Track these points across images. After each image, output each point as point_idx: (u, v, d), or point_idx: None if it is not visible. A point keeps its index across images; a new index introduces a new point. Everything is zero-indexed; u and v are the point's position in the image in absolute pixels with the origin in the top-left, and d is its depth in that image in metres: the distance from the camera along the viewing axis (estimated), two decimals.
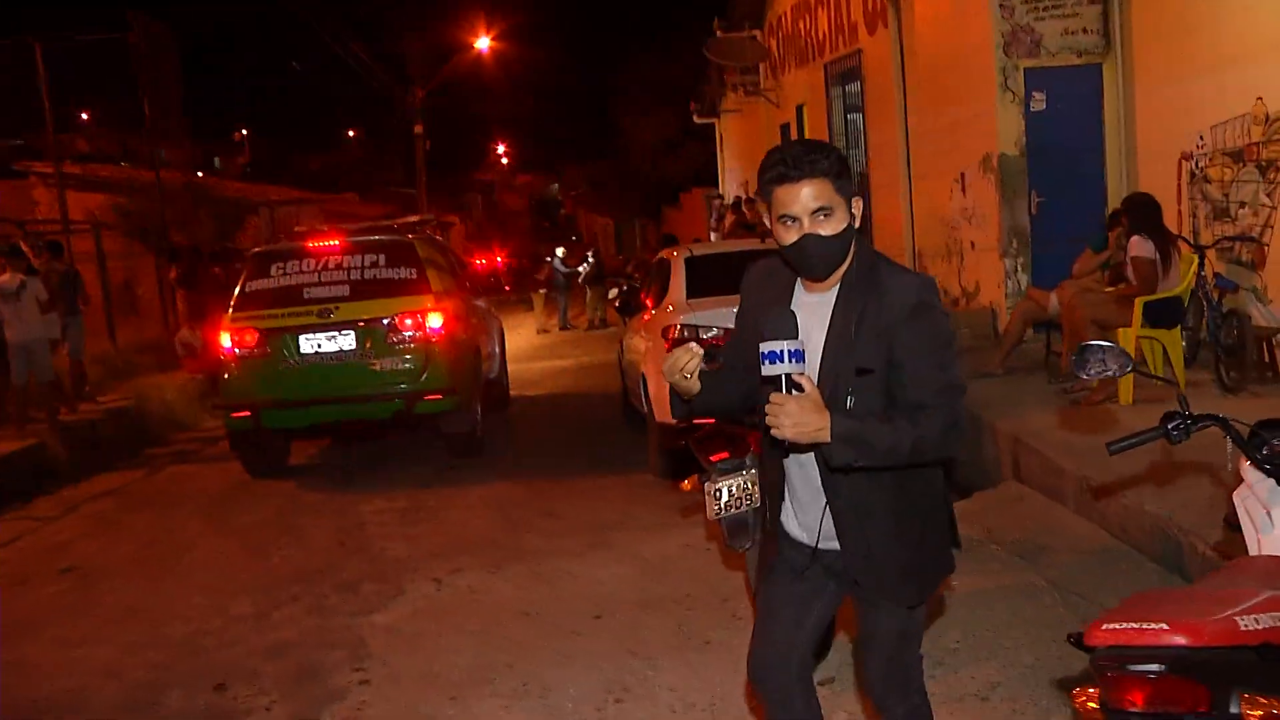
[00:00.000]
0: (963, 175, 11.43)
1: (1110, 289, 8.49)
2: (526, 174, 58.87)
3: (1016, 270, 10.64)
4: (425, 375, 9.73)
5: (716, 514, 4.42)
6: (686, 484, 5.11)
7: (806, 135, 17.21)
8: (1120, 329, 7.89)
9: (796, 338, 2.54)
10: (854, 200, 2.74)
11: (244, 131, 36.80)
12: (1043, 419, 7.59)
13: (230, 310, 9.81)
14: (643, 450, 9.52)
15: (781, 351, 2.50)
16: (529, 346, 20.82)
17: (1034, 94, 10.49)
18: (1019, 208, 10.58)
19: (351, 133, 43.98)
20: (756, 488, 4.21)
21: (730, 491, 4.42)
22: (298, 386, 9.65)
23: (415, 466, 10.27)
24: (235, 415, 9.76)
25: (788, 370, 2.50)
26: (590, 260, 24.58)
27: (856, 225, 2.74)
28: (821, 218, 2.67)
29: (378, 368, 9.71)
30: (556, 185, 59.56)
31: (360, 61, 25.20)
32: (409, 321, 9.77)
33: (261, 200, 23.33)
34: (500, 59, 37.95)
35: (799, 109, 17.78)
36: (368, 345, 9.69)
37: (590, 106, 41.51)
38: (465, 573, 6.84)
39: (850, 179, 2.74)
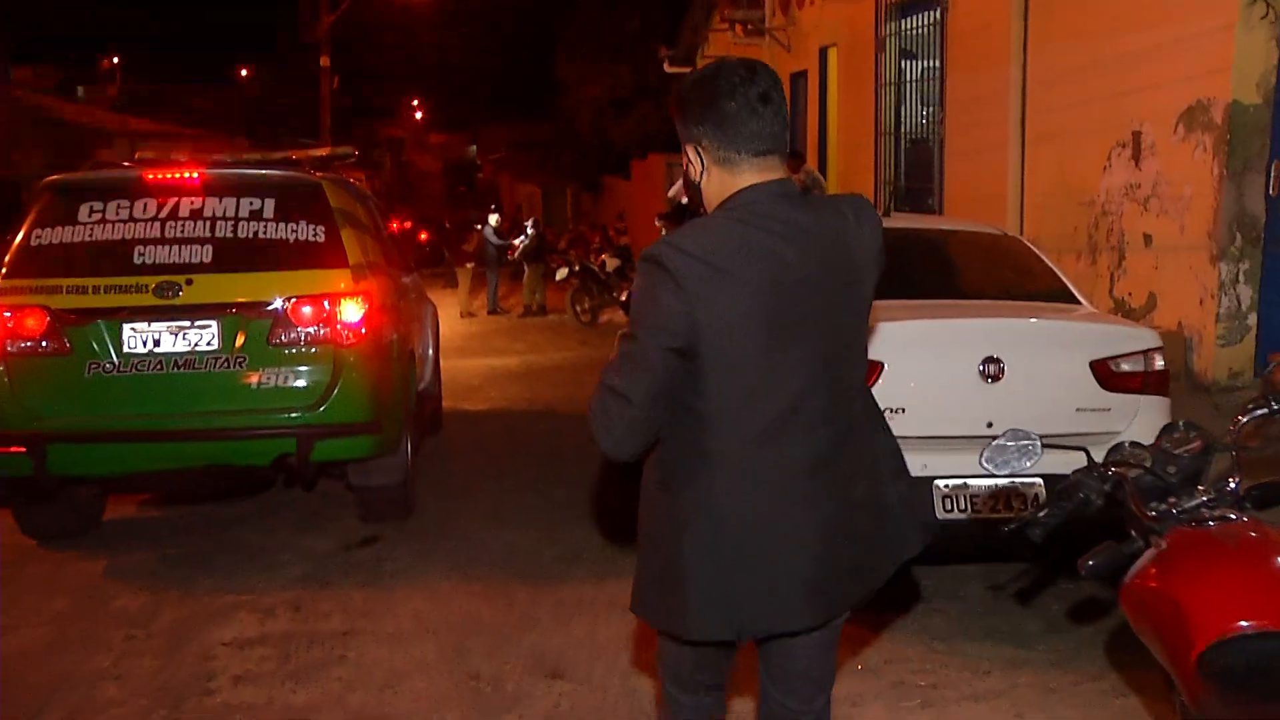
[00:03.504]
0: (1136, 136, 7.82)
1: None
2: (441, 133, 54.32)
3: (1238, 280, 7.08)
4: (333, 399, 5.93)
5: None
6: None
7: (837, 87, 13.55)
8: None
9: None
10: (688, 146, 2.39)
11: (115, 60, 31.66)
12: None
13: None
14: None
15: None
16: (455, 335, 16.79)
17: None
18: (1251, 186, 7.03)
19: (244, 71, 38.84)
20: None
21: None
22: (114, 408, 5.81)
23: (307, 538, 6.43)
24: (1, 451, 5.74)
25: None
26: (530, 232, 20.61)
27: (697, 178, 2.40)
28: None
29: (255, 383, 5.87)
30: (474, 147, 55.18)
31: None
32: (310, 311, 5.90)
33: (121, 130, 18.69)
34: (423, 5, 33.69)
35: (823, 53, 14.05)
36: (239, 346, 5.85)
37: (527, 58, 37.17)
38: None
39: (681, 119, 2.38)
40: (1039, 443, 2.66)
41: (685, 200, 17.18)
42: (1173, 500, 2.61)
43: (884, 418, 2.59)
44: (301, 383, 5.88)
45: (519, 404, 11.17)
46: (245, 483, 7.10)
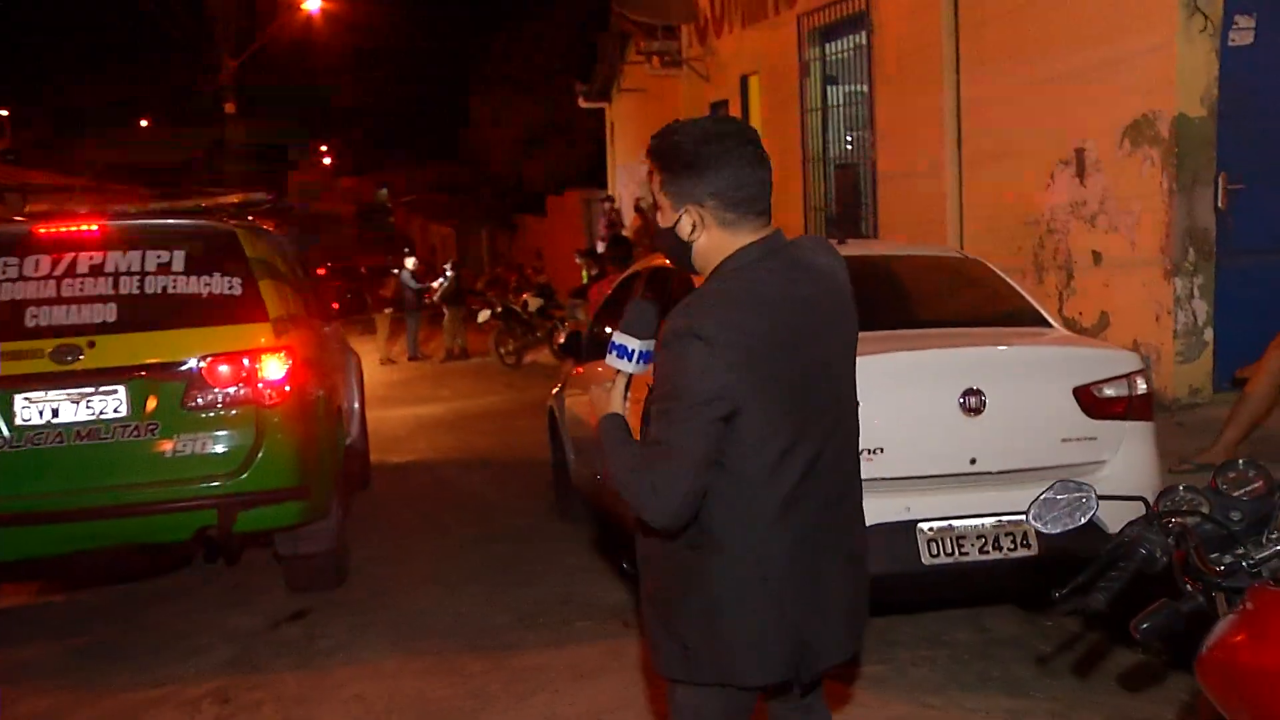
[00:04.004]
0: (1079, 153, 7.66)
1: None
2: (352, 177, 53.38)
3: (1193, 295, 6.91)
4: (257, 464, 5.47)
5: None
6: None
7: (760, 115, 13.33)
8: None
9: (646, 338, 2.40)
10: (687, 208, 2.36)
11: (4, 112, 30.46)
12: None
13: None
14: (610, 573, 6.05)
15: (632, 350, 2.39)
16: (376, 383, 16.18)
17: (1236, 20, 6.80)
18: (1201, 199, 6.87)
19: (145, 121, 37.66)
20: None
21: None
22: (9, 487, 5.26)
23: (232, 616, 5.95)
24: None
25: (617, 366, 2.41)
26: (448, 275, 20.10)
27: (693, 236, 2.38)
28: (658, 205, 2.44)
29: (169, 452, 5.39)
30: (385, 190, 54.30)
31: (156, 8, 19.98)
32: (228, 370, 5.42)
33: (13, 185, 17.87)
34: (332, 48, 33.13)
35: (744, 81, 13.84)
36: (150, 412, 5.38)
37: (438, 98, 36.65)
38: None
39: (683, 178, 2.34)
40: (1093, 494, 2.32)
41: (600, 248, 16.87)
42: (1240, 551, 2.29)
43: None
44: (221, 448, 5.39)
45: (450, 454, 10.69)
46: (161, 559, 6.56)
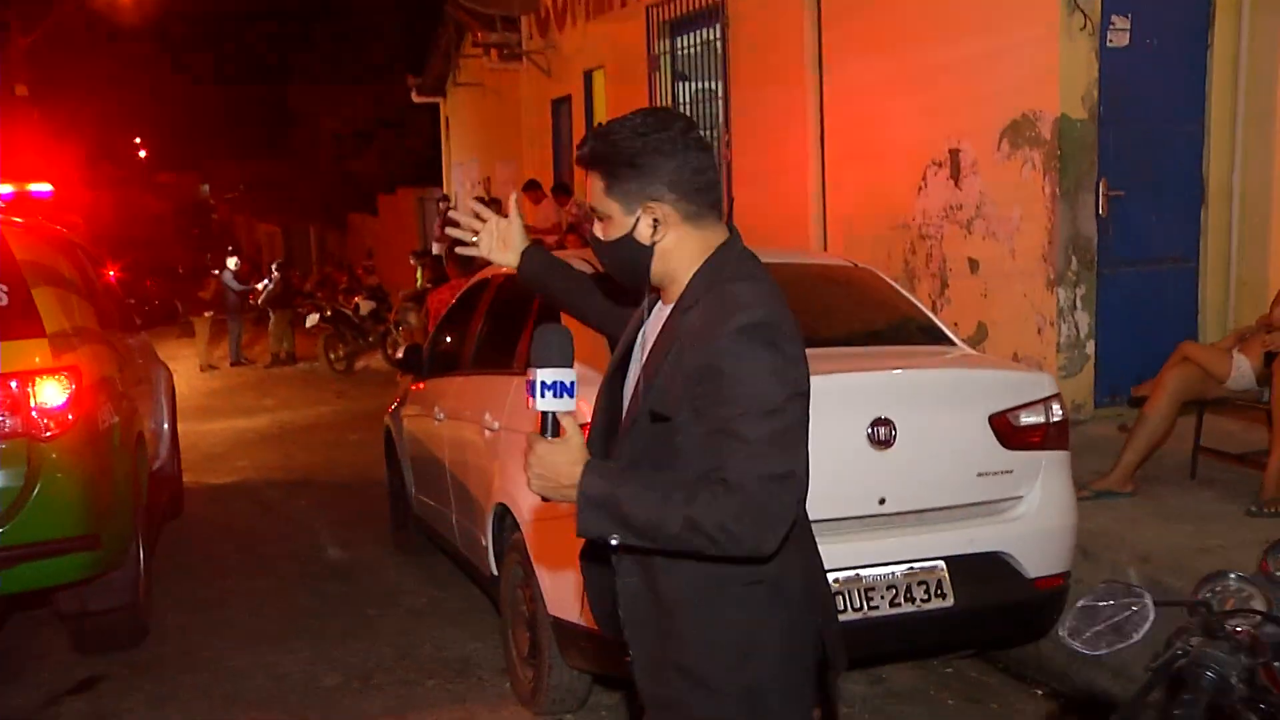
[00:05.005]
0: (954, 154, 7.27)
1: None
2: (170, 172, 50.54)
3: (1075, 306, 6.57)
4: (28, 511, 4.56)
5: None
6: None
7: (605, 114, 12.70)
8: None
9: (569, 366, 2.05)
10: (644, 206, 2.13)
11: None
12: None
13: None
14: (449, 600, 5.84)
15: (553, 384, 2.03)
16: (194, 392, 14.97)
17: (1113, 20, 6.49)
18: (1083, 205, 6.53)
19: None
20: None
21: None
22: None
23: (5, 691, 4.95)
24: None
25: (552, 408, 2.03)
26: (274, 275, 18.87)
27: (655, 238, 2.14)
28: (598, 218, 2.21)
29: None
30: (207, 186, 51.60)
31: None
32: None
33: None
34: (141, 30, 31.11)
35: (588, 76, 13.19)
36: None
37: (257, 91, 34.71)
38: None
39: (630, 177, 2.12)
40: (1149, 599, 1.74)
41: (437, 252, 15.94)
42: None
43: None
44: None
45: (272, 472, 9.76)
46: None
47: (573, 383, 2.05)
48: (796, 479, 1.97)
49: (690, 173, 2.11)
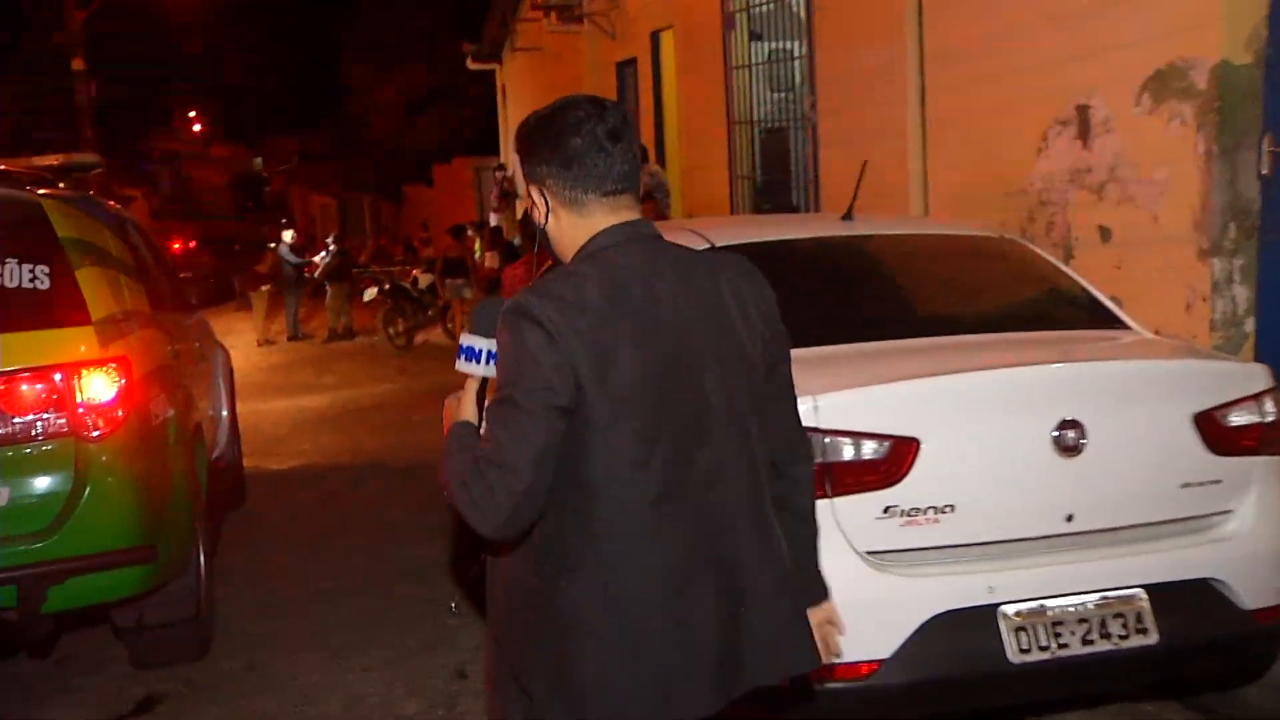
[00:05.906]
0: (1082, 111, 6.55)
1: None
2: (225, 145, 50.46)
3: (1232, 279, 5.86)
4: (75, 520, 4.06)
5: None
6: None
7: (673, 78, 12.06)
8: None
9: (492, 336, 2.18)
10: (533, 186, 2.21)
11: None
12: None
13: None
14: None
15: (480, 350, 2.20)
16: (252, 368, 14.59)
17: None
18: (1244, 165, 5.79)
19: None
20: None
21: None
22: None
23: (51, 710, 4.51)
24: None
25: (481, 373, 2.22)
26: (331, 249, 18.47)
27: (541, 221, 2.22)
28: None
29: None
30: (260, 159, 51.48)
31: None
32: (31, 391, 4.00)
33: None
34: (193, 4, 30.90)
35: (655, 38, 12.53)
36: None
37: (310, 62, 34.33)
38: None
39: (523, 158, 2.22)
40: None
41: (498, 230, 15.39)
42: None
43: (810, 506, 2.35)
44: (24, 500, 3.96)
45: (337, 457, 9.32)
46: None
47: (483, 350, 2.18)
48: (507, 468, 1.98)
49: (571, 160, 2.12)
